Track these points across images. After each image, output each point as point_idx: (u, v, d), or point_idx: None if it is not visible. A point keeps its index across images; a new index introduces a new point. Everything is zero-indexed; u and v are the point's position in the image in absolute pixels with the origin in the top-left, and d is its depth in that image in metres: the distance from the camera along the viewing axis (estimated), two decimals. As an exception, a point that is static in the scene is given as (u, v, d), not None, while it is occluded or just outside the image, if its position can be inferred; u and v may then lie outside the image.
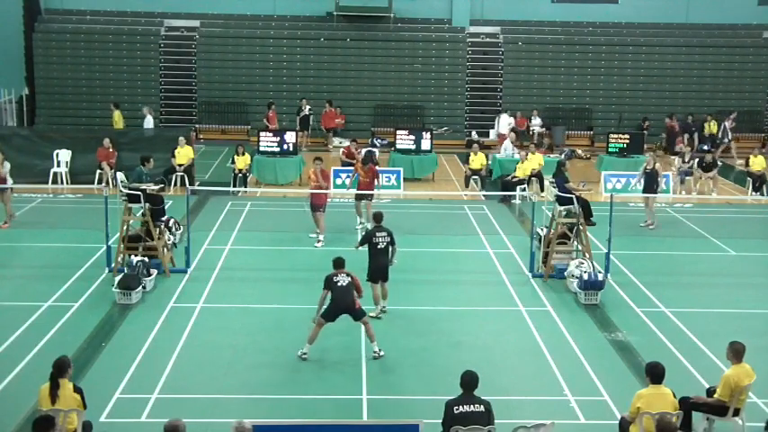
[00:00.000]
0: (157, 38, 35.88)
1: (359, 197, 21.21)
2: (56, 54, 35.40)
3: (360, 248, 15.51)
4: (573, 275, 16.81)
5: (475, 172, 26.65)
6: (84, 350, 13.67)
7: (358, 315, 13.55)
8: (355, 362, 13.39)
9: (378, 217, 15.70)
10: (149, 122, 30.22)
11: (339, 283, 13.46)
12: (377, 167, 21.69)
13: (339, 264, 13.75)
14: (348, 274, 13.58)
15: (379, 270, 15.21)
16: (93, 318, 15.06)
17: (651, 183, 22.04)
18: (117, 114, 31.71)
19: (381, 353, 13.49)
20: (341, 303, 13.44)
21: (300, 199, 23.24)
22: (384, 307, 15.33)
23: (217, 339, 14.20)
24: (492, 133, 34.88)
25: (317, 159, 20.33)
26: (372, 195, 21.27)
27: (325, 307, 13.52)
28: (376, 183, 21.46)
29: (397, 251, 15.47)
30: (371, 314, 14.58)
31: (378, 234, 15.24)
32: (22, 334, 14.26)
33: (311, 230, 20.42)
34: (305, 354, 13.39)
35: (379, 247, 15.19)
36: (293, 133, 27.65)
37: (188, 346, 13.93)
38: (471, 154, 27.13)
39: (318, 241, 19.88)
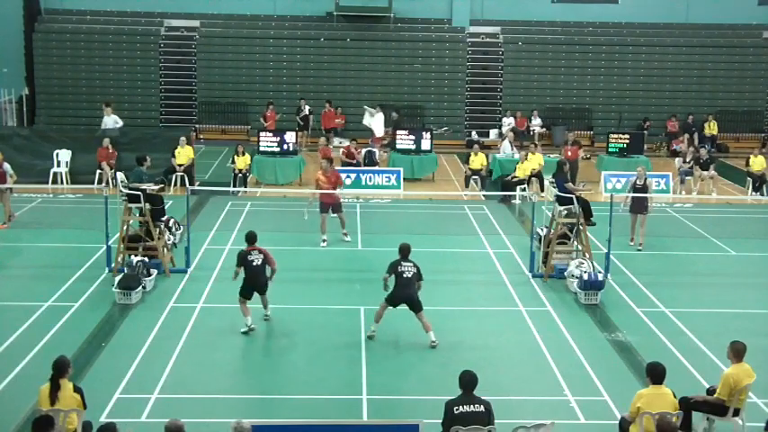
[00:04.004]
0: (157, 38, 35.89)
1: (323, 207, 20.02)
2: (56, 54, 35.41)
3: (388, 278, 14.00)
4: (573, 275, 16.81)
5: (475, 172, 26.65)
6: (84, 350, 13.67)
7: (264, 290, 14.48)
8: (355, 362, 13.39)
9: (404, 250, 14.15)
10: None
11: (254, 263, 14.21)
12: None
13: (252, 239, 14.42)
14: (261, 251, 14.31)
15: (400, 298, 13.97)
16: (93, 318, 15.06)
17: (642, 200, 19.91)
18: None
19: (253, 326, 14.23)
20: (255, 281, 14.29)
21: (301, 199, 23.25)
22: (434, 342, 13.93)
23: (217, 339, 14.19)
24: (492, 133, 34.92)
25: (325, 159, 20.66)
26: (341, 206, 20.35)
27: (241, 285, 14.30)
28: (338, 189, 20.43)
29: (421, 285, 14.15)
30: (370, 332, 14.23)
31: (403, 263, 13.98)
32: (22, 334, 14.26)
33: (311, 230, 20.51)
34: (252, 326, 14.25)
35: (404, 275, 13.87)
36: (293, 133, 27.68)
37: (188, 346, 13.93)
38: (471, 154, 27.14)
39: (324, 240, 19.91)
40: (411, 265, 13.99)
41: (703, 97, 36.29)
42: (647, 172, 20.96)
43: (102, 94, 34.27)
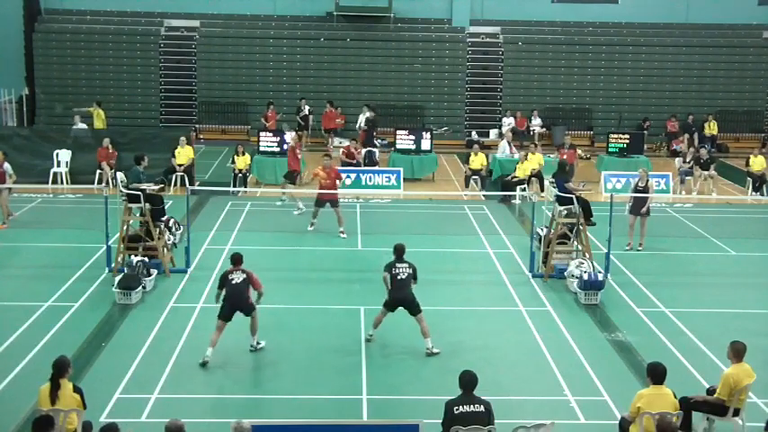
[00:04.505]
0: (157, 38, 35.88)
1: (320, 201, 20.75)
2: (56, 54, 35.41)
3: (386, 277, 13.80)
4: (573, 275, 16.81)
5: (475, 172, 26.65)
6: (84, 350, 13.68)
7: (248, 310, 13.45)
8: (355, 362, 13.39)
9: (399, 250, 13.98)
10: None
11: (233, 281, 13.32)
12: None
13: (236, 260, 13.58)
14: (243, 271, 13.42)
15: (396, 301, 13.80)
16: (93, 318, 15.06)
17: (643, 202, 19.71)
18: (97, 113, 31.49)
19: (260, 345, 13.59)
20: (234, 300, 13.31)
21: (302, 199, 23.25)
22: (429, 349, 13.70)
23: (217, 339, 14.19)
24: (492, 133, 34.92)
25: (325, 156, 21.36)
26: (337, 200, 20.90)
27: (220, 306, 13.36)
28: (338, 184, 21.27)
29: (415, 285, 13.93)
30: (368, 335, 14.12)
31: (398, 264, 13.81)
32: (22, 334, 14.26)
33: (311, 230, 20.61)
34: (207, 358, 13.05)
35: (398, 277, 13.71)
36: (293, 133, 27.66)
37: (188, 346, 13.92)
38: (471, 154, 27.14)
39: (298, 209, 21.48)
40: (406, 266, 13.79)
41: (703, 97, 36.28)
42: (648, 173, 20.81)
43: (103, 95, 34.29)
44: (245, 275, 13.39)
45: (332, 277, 18.05)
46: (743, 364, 10.81)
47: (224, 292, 13.37)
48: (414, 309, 13.74)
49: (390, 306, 13.84)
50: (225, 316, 13.32)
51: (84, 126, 29.85)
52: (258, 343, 13.65)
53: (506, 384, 12.70)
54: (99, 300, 15.97)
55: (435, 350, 13.68)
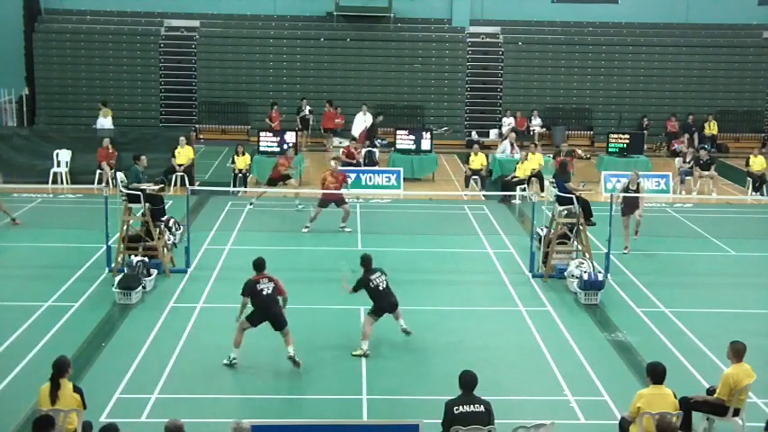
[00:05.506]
0: (157, 38, 35.87)
1: (323, 202, 20.97)
2: (56, 54, 35.38)
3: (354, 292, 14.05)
4: (573, 275, 16.81)
5: (475, 172, 26.65)
6: (84, 350, 13.67)
7: (280, 324, 12.95)
8: (355, 362, 13.38)
9: (367, 261, 13.99)
10: None
11: (264, 291, 12.84)
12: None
13: (260, 265, 13.07)
14: (270, 279, 13.00)
15: (385, 309, 13.89)
16: (93, 318, 15.06)
17: (634, 202, 19.55)
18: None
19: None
20: (267, 312, 12.91)
21: (302, 199, 23.28)
22: (405, 326, 14.07)
23: (217, 339, 14.13)
24: (492, 133, 34.92)
25: (334, 159, 22.00)
26: (343, 199, 21.20)
27: (248, 312, 12.98)
28: (344, 186, 21.61)
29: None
30: (355, 352, 13.65)
31: (372, 277, 13.79)
32: (22, 334, 14.26)
33: (312, 231, 20.67)
34: (234, 359, 12.98)
35: (380, 288, 13.77)
36: (293, 133, 27.68)
37: (188, 346, 13.93)
38: (471, 154, 27.14)
39: (306, 227, 20.96)
40: (379, 273, 13.81)
41: (703, 97, 36.26)
42: (642, 174, 20.72)
43: (103, 95, 34.22)
44: (272, 284, 12.95)
45: (332, 277, 17.99)
46: (743, 364, 10.81)
47: (251, 302, 12.87)
48: (396, 310, 13.98)
49: (378, 314, 13.81)
50: (254, 323, 12.99)
51: (108, 119, 29.92)
52: (294, 355, 12.96)
53: (506, 384, 12.70)
54: (99, 300, 15.97)
55: (408, 329, 13.97)
